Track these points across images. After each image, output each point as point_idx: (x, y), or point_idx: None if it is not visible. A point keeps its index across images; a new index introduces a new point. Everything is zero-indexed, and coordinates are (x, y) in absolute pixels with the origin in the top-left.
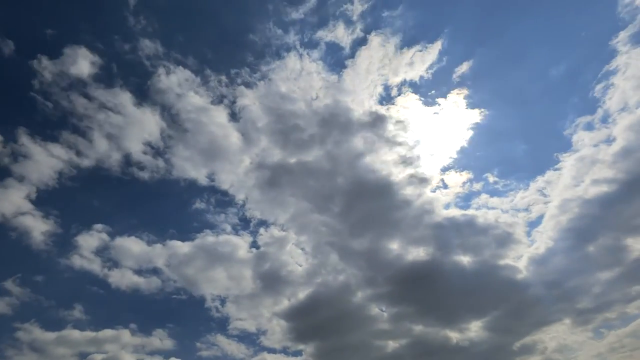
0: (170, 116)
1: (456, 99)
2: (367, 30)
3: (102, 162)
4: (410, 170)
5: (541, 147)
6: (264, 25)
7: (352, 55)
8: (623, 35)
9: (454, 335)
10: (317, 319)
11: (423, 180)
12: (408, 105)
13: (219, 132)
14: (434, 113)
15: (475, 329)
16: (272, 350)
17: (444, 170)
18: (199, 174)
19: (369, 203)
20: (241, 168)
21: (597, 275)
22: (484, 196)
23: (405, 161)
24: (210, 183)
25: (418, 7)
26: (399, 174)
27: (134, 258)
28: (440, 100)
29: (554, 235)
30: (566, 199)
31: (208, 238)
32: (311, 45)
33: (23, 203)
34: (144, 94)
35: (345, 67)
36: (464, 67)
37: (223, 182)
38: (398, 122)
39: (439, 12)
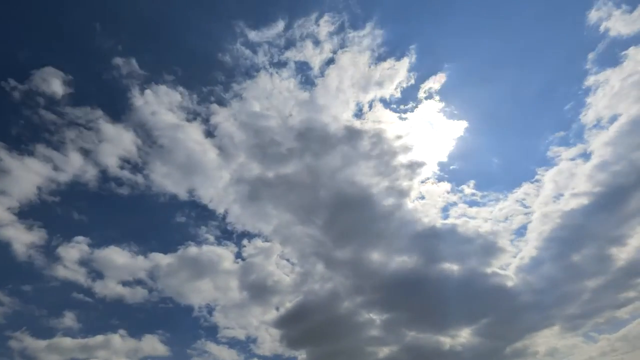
0: (145, 133)
1: (430, 113)
2: (335, 50)
3: (80, 177)
4: (388, 182)
5: (516, 161)
6: (232, 45)
7: (322, 74)
8: (592, 55)
9: (446, 341)
10: (308, 327)
11: (402, 192)
12: (381, 119)
13: (196, 148)
14: (409, 127)
15: (467, 335)
16: (264, 358)
17: (423, 181)
18: (179, 189)
19: (351, 214)
20: (221, 183)
21: (585, 283)
22: (462, 206)
23: (383, 173)
24: (191, 198)
25: (385, 25)
26: (378, 186)
27: (118, 269)
28: (412, 114)
29: (539, 245)
30: (547, 211)
31: (191, 250)
32: (280, 65)
33: (6, 215)
34: (117, 112)
35: (315, 85)
36: (434, 83)
37: (203, 196)
38: (373, 135)
39: (406, 30)
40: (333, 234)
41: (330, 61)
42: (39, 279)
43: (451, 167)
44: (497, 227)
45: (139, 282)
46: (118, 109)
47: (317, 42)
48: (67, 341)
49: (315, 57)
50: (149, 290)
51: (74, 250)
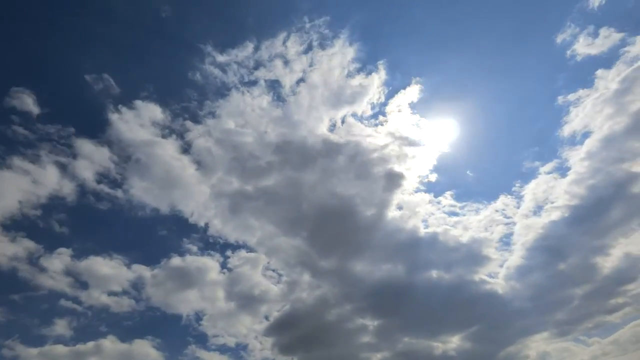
0: (121, 149)
1: (403, 126)
2: (305, 69)
3: (58, 191)
4: (368, 194)
5: (492, 174)
6: (202, 65)
7: (294, 92)
8: (563, 75)
9: (439, 346)
10: (299, 334)
11: (383, 203)
12: (356, 133)
13: (173, 164)
14: (384, 140)
15: (459, 341)
16: None
17: (402, 192)
18: (159, 203)
19: (334, 225)
20: (201, 197)
21: (574, 290)
22: (443, 216)
23: (363, 185)
24: (172, 212)
25: (353, 43)
26: (359, 197)
27: (103, 279)
28: (385, 128)
29: (524, 254)
30: (528, 222)
31: (175, 261)
32: (251, 84)
33: None
34: (91, 129)
35: (288, 102)
36: (405, 97)
37: (184, 210)
38: (350, 148)
39: (374, 47)
40: (318, 245)
41: (300, 80)
42: (26, 289)
43: (429, 179)
44: (480, 236)
45: (124, 292)
46: (92, 125)
47: (286, 62)
48: (59, 348)
49: (285, 76)
50: (136, 300)
51: (57, 261)
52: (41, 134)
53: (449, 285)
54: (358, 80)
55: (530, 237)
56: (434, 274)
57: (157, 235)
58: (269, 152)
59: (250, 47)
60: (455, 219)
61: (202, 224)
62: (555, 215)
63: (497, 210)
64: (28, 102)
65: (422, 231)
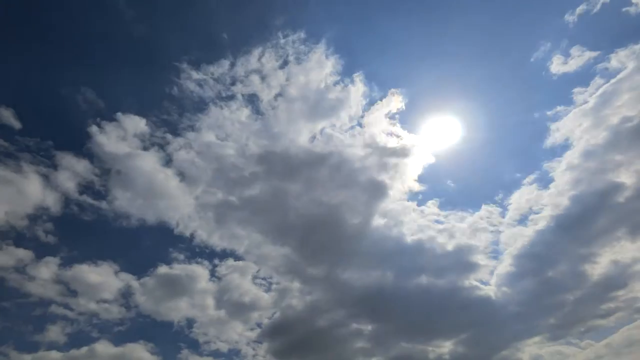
0: (101, 161)
1: (383, 137)
2: (282, 84)
3: (42, 201)
4: (353, 202)
5: (475, 183)
6: (179, 81)
7: (272, 106)
8: (543, 91)
9: (433, 350)
10: (291, 340)
11: (368, 211)
12: (337, 144)
13: (156, 176)
14: (364, 151)
15: (453, 345)
16: None
17: (387, 200)
18: (144, 214)
19: (322, 233)
20: (185, 208)
21: (565, 296)
22: (428, 223)
23: (347, 193)
24: (157, 222)
25: (330, 57)
26: (344, 205)
27: (92, 288)
28: (365, 138)
29: (513, 262)
30: (514, 231)
31: (163, 270)
32: (229, 98)
33: None
34: (70, 141)
35: (267, 116)
36: (385, 108)
37: (170, 221)
38: (333, 158)
39: (352, 60)
40: (307, 252)
41: (278, 94)
42: (17, 296)
43: (412, 188)
44: (467, 243)
45: (114, 300)
46: (72, 139)
47: (263, 77)
48: (53, 354)
49: (263, 91)
50: (126, 307)
51: (45, 270)
52: (21, 146)
53: (440, 291)
54: (336, 93)
55: (517, 246)
56: (424, 280)
57: (143, 245)
58: (252, 163)
59: (225, 64)
60: (440, 226)
61: (188, 234)
62: (540, 225)
63: (482, 219)
64: (7, 116)
65: (409, 238)
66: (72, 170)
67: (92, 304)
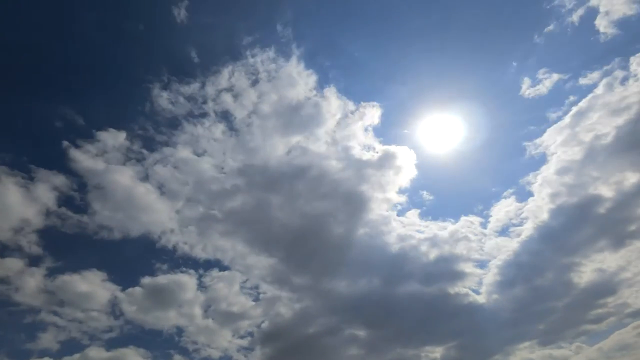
0: (78, 176)
1: (359, 150)
2: (254, 102)
3: (23, 212)
4: (335, 212)
5: (455, 195)
6: (151, 99)
7: (246, 124)
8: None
9: (427, 355)
10: (283, 346)
11: (352, 220)
12: (314, 157)
13: (135, 191)
14: (342, 164)
15: (445, 351)
16: None
17: (368, 211)
18: (126, 228)
19: (307, 243)
20: (168, 222)
21: (554, 303)
22: (411, 233)
23: (329, 204)
24: (140, 235)
25: (302, 72)
26: (327, 216)
27: (80, 297)
28: (342, 152)
29: (499, 271)
30: (497, 242)
31: (148, 281)
32: (202, 116)
33: None
34: (45, 155)
35: (241, 133)
36: (360, 120)
37: (152, 234)
38: (312, 171)
39: (323, 75)
40: (293, 262)
41: (252, 112)
42: (6, 305)
43: (392, 199)
44: (451, 252)
45: (102, 310)
46: (48, 155)
47: (235, 95)
48: None
49: (236, 109)
50: (115, 316)
51: (32, 280)
52: None
53: (430, 298)
54: (309, 108)
55: (502, 256)
56: (412, 287)
57: (127, 257)
58: (232, 177)
59: (196, 84)
60: (422, 235)
61: (171, 246)
62: (523, 236)
63: (463, 229)
64: None
65: (393, 247)
66: (51, 184)
67: (79, 313)
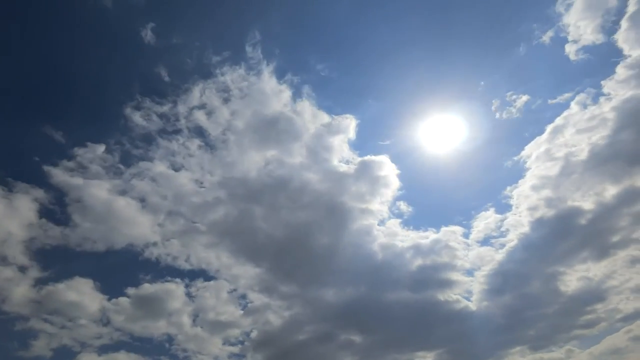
0: (55, 191)
1: (339, 160)
2: (228, 119)
3: (5, 226)
4: (319, 221)
5: (438, 208)
6: (125, 115)
7: (221, 141)
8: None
9: None
10: (272, 356)
11: (337, 230)
12: (293, 170)
13: (115, 204)
14: (321, 176)
15: (438, 356)
16: None
17: (351, 220)
18: (109, 240)
19: (293, 253)
20: (151, 235)
21: (543, 310)
22: (396, 242)
23: (312, 214)
24: (124, 248)
25: (275, 87)
26: (312, 225)
27: (68, 306)
28: (321, 164)
29: (486, 280)
30: (480, 251)
31: (133, 292)
32: (176, 132)
33: None
34: (22, 171)
35: (218, 149)
36: (338, 135)
37: (136, 247)
38: (294, 183)
39: (298, 89)
40: (279, 271)
41: (226, 129)
42: None
43: (372, 208)
44: (436, 260)
45: (91, 319)
46: (26, 171)
47: (208, 113)
48: None
49: (209, 126)
50: (104, 324)
51: (20, 289)
52: None
53: (421, 305)
54: (284, 122)
55: (487, 265)
56: (400, 294)
57: (111, 268)
58: (212, 190)
59: (167, 104)
60: (405, 244)
61: (154, 258)
62: (507, 246)
63: (446, 238)
64: None
65: (378, 255)
66: (31, 197)
67: (68, 322)
